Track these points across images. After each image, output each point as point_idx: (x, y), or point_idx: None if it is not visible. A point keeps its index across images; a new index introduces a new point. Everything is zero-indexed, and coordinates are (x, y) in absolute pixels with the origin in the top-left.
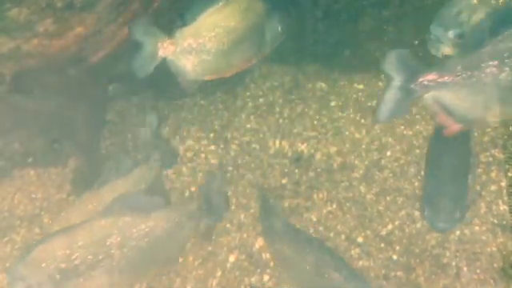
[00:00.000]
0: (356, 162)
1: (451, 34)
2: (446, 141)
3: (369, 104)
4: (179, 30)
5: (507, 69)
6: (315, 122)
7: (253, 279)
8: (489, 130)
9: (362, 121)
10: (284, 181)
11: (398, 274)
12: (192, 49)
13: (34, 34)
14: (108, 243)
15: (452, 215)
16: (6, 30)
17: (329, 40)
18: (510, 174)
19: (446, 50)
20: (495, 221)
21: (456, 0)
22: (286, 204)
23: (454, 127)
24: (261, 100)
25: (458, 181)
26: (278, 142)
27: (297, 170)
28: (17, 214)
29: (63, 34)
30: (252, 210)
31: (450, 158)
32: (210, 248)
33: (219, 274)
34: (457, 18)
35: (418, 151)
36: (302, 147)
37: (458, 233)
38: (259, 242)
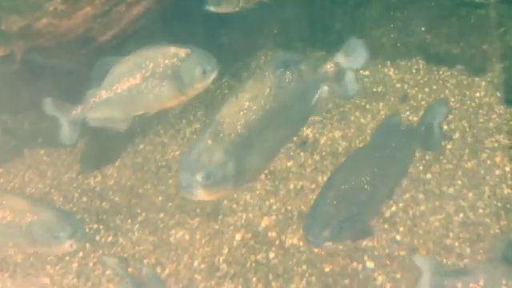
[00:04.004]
0: (361, 146)
1: (199, 176)
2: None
3: (374, 90)
4: None
5: None
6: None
7: (259, 257)
8: (494, 116)
9: (368, 106)
10: (289, 163)
11: (401, 253)
12: None
13: (43, 13)
14: None
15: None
16: (16, 9)
17: (335, 26)
18: None
19: (199, 191)
20: (499, 204)
21: (193, 146)
22: (292, 186)
23: None
24: None
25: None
26: None
27: (302, 154)
28: (27, 192)
29: (72, 13)
30: (258, 192)
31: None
32: (216, 227)
33: (226, 251)
34: (198, 161)
35: None
36: (308, 131)
37: (461, 215)
38: (265, 222)
